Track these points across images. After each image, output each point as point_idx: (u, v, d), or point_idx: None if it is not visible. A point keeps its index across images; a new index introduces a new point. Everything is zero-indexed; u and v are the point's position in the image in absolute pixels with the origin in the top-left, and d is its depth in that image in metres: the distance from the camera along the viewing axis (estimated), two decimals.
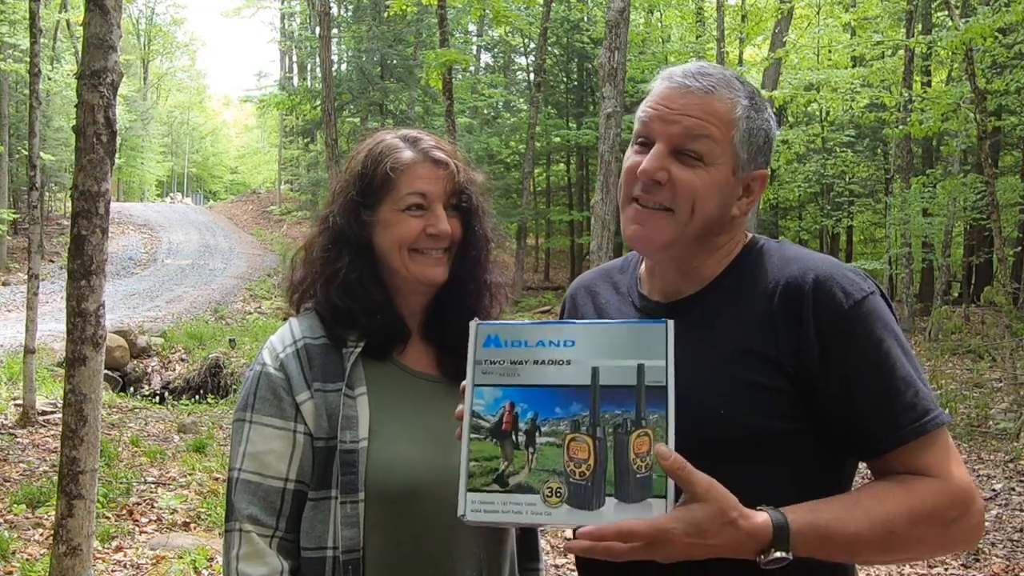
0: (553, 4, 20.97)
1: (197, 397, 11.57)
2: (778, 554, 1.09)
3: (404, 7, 14.73)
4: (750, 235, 1.39)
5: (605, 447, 1.06)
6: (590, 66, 24.79)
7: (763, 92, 12.63)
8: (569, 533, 1.12)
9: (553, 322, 1.20)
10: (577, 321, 1.22)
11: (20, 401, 8.35)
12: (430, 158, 1.50)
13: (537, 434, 1.08)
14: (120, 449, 7.51)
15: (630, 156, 1.31)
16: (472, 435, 1.11)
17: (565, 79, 27.83)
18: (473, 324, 1.17)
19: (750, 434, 1.21)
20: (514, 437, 1.09)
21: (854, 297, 1.22)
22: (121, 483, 6.33)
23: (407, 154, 1.50)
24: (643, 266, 1.44)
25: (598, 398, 1.08)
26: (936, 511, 1.15)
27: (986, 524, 5.60)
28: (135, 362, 12.66)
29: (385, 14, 19.59)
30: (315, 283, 1.52)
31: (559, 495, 1.04)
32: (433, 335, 1.57)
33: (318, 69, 24.43)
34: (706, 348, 1.28)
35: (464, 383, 1.16)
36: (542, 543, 1.75)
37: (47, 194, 28.00)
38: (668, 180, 1.25)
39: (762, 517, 1.10)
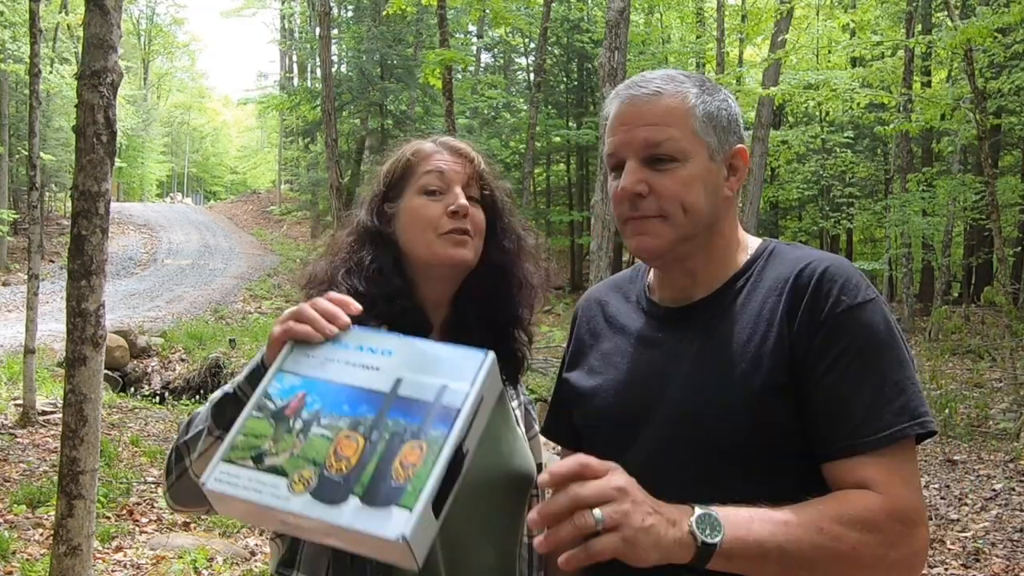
0: (553, 4, 20.94)
1: (197, 397, 11.55)
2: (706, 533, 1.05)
3: (403, 7, 14.72)
4: (762, 239, 1.39)
5: (374, 451, 1.04)
6: (590, 66, 24.81)
7: (761, 90, 12.71)
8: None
9: (382, 332, 1.22)
10: (405, 336, 1.20)
11: (20, 401, 8.35)
12: (449, 147, 1.57)
13: (315, 425, 1.07)
14: (120, 449, 7.51)
15: (612, 185, 1.32)
16: (254, 412, 1.11)
17: (565, 79, 27.84)
18: None
19: (761, 434, 1.21)
20: (291, 423, 1.09)
21: (846, 303, 1.21)
22: (121, 483, 6.34)
23: (428, 145, 1.58)
24: (652, 274, 1.45)
25: (389, 406, 1.08)
26: (869, 518, 1.11)
27: (986, 524, 5.65)
28: (135, 362, 12.65)
29: (384, 13, 19.57)
30: (336, 273, 1.54)
31: (306, 484, 1.02)
32: (456, 330, 1.56)
33: (318, 69, 24.46)
34: (716, 350, 1.28)
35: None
36: None
37: (47, 194, 27.99)
38: (650, 191, 1.26)
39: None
